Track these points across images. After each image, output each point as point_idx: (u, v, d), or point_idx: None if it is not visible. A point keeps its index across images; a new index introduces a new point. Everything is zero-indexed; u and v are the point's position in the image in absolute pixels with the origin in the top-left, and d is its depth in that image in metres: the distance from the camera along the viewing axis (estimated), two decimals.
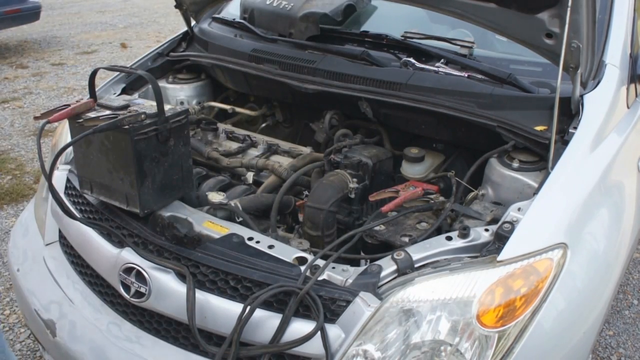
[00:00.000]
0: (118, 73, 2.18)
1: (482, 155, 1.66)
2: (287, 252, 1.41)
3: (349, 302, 1.25)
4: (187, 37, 2.42)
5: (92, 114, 1.48)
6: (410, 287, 1.25)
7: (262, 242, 1.44)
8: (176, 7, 2.27)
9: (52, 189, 1.39)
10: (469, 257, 1.32)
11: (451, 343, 1.21)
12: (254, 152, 2.06)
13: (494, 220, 1.43)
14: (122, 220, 1.56)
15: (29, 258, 1.84)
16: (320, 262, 1.34)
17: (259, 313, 1.27)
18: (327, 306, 1.26)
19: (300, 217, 1.80)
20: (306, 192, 1.89)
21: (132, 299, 1.43)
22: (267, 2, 2.26)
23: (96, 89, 1.56)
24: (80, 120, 1.48)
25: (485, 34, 1.85)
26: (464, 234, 1.34)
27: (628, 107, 1.82)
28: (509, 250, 1.26)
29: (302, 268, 1.33)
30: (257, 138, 2.13)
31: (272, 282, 1.30)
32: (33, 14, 7.07)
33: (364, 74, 1.88)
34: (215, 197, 1.65)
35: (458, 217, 1.52)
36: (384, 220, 1.55)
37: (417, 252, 1.32)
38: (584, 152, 1.50)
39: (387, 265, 1.31)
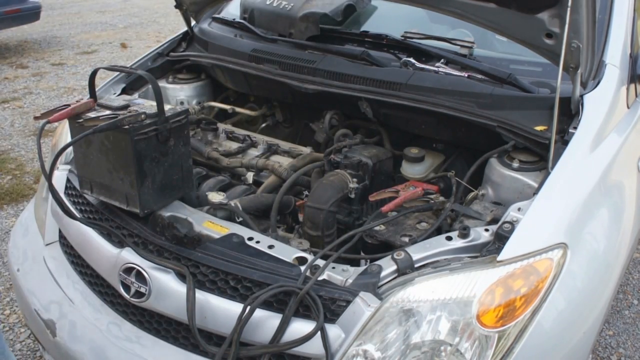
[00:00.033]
0: (118, 73, 2.18)
1: (482, 155, 1.66)
2: (287, 252, 1.41)
3: (349, 302, 1.25)
4: (187, 37, 2.42)
5: (92, 114, 1.48)
6: (410, 287, 1.25)
7: (262, 242, 1.44)
8: (176, 7, 2.27)
9: (52, 189, 1.39)
10: (469, 257, 1.32)
11: (451, 343, 1.21)
12: (254, 152, 2.06)
13: (494, 220, 1.43)
14: (122, 220, 1.56)
15: (29, 258, 1.84)
16: (320, 262, 1.34)
17: (259, 313, 1.27)
18: (327, 306, 1.26)
19: (300, 217, 1.80)
20: (306, 192, 1.89)
21: (132, 299, 1.43)
22: (267, 2, 2.26)
23: (96, 89, 1.56)
24: (80, 120, 1.48)
25: (485, 34, 1.85)
26: (464, 234, 1.34)
27: (628, 107, 1.82)
28: (509, 250, 1.26)
29: (302, 268, 1.33)
30: (257, 138, 2.13)
31: (272, 282, 1.30)
32: (33, 14, 7.07)
33: (364, 74, 1.88)
34: (215, 197, 1.65)
35: (458, 217, 1.52)
36: (384, 220, 1.55)
37: (417, 252, 1.32)
38: (584, 152, 1.50)
39: (387, 265, 1.31)
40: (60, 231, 1.81)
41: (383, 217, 1.58)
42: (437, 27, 2.20)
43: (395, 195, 1.63)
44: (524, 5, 1.45)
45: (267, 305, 1.29)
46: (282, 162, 1.95)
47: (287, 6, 2.18)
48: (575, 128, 1.52)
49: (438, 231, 1.47)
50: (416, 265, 1.31)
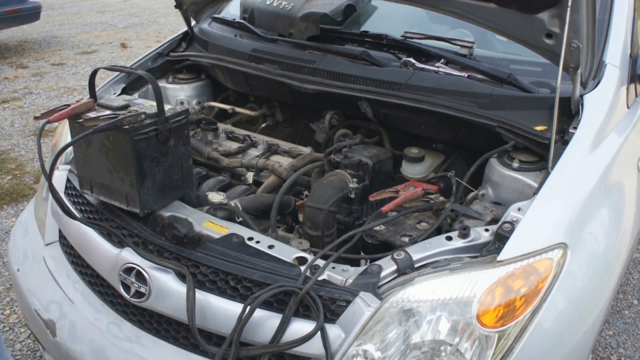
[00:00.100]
0: (118, 73, 2.18)
1: (482, 155, 1.66)
2: (287, 252, 1.41)
3: (349, 302, 1.25)
4: (187, 37, 2.42)
5: (92, 114, 1.48)
6: (410, 287, 1.25)
7: (262, 242, 1.44)
8: (176, 7, 2.27)
9: (52, 189, 1.39)
10: (469, 257, 1.32)
11: (451, 343, 1.21)
12: (254, 152, 2.06)
13: (494, 220, 1.43)
14: (122, 220, 1.56)
15: (29, 258, 1.84)
16: (320, 262, 1.34)
17: (259, 313, 1.27)
18: (327, 306, 1.26)
19: (300, 217, 1.80)
20: (306, 192, 1.89)
21: (132, 299, 1.43)
22: (267, 2, 2.26)
23: (96, 89, 1.56)
24: (80, 120, 1.48)
25: (485, 34, 1.85)
26: (464, 234, 1.34)
27: (628, 107, 1.82)
28: (509, 250, 1.26)
29: (302, 268, 1.33)
30: (257, 138, 2.13)
31: (272, 282, 1.30)
32: (33, 14, 7.07)
33: (364, 74, 1.88)
34: (215, 197, 1.65)
35: (458, 217, 1.52)
36: (384, 220, 1.55)
37: (417, 252, 1.32)
38: (584, 152, 1.50)
39: (387, 265, 1.31)
40: (60, 231, 1.81)
41: (383, 217, 1.58)
42: (437, 27, 2.20)
43: (395, 195, 1.63)
44: (524, 5, 1.45)
45: (267, 305, 1.29)
46: (282, 162, 1.95)
47: (287, 6, 2.18)
48: (575, 128, 1.52)
49: (438, 231, 1.47)
50: (416, 265, 1.31)
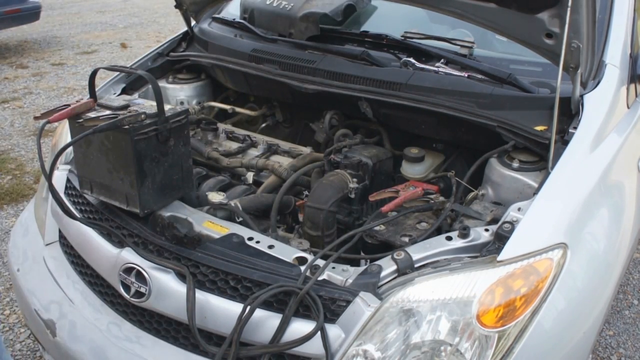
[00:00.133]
0: (118, 73, 2.18)
1: (482, 155, 1.66)
2: (287, 252, 1.41)
3: (349, 302, 1.25)
4: (187, 37, 2.42)
5: (92, 114, 1.48)
6: (410, 287, 1.25)
7: (262, 242, 1.44)
8: (176, 7, 2.27)
9: (52, 189, 1.39)
10: (469, 257, 1.32)
11: (451, 343, 1.20)
12: (254, 152, 2.06)
13: (494, 220, 1.43)
14: (122, 220, 1.56)
15: (29, 258, 1.84)
16: (320, 262, 1.34)
17: (259, 313, 1.27)
18: (327, 306, 1.26)
19: (300, 217, 1.80)
20: (306, 192, 1.89)
21: (132, 299, 1.43)
22: (267, 2, 2.26)
23: (96, 89, 1.56)
24: (80, 120, 1.48)
25: (485, 34, 1.85)
26: (464, 234, 1.34)
27: (628, 107, 1.82)
28: (509, 250, 1.26)
29: (302, 268, 1.33)
30: (257, 138, 2.13)
31: (272, 282, 1.30)
32: (33, 14, 7.07)
33: (364, 74, 1.88)
34: (215, 197, 1.65)
35: (458, 217, 1.52)
36: (384, 220, 1.55)
37: (417, 252, 1.32)
38: (584, 152, 1.50)
39: (387, 265, 1.31)
40: (60, 231, 1.81)
41: (383, 217, 1.58)
42: (437, 27, 2.20)
43: (395, 195, 1.63)
44: (524, 5, 1.45)
45: (267, 305, 1.29)
46: (282, 162, 1.95)
47: (287, 6, 2.18)
48: (575, 128, 1.52)
49: (438, 231, 1.47)
50: (416, 265, 1.31)
